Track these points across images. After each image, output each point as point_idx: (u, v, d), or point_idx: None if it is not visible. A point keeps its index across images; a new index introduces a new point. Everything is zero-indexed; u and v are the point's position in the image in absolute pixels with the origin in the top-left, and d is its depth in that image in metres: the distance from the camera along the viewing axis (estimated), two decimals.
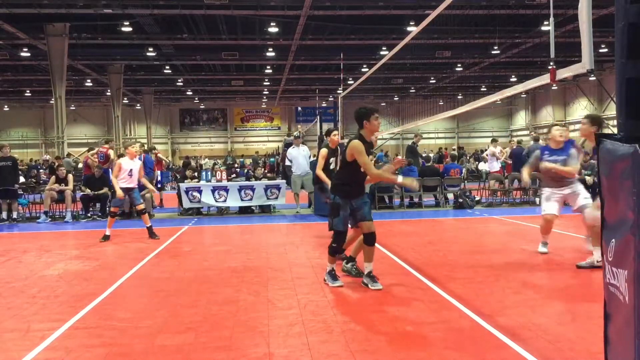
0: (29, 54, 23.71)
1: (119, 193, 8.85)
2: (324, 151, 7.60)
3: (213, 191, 12.49)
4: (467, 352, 3.65)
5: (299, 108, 44.93)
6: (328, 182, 6.88)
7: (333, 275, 5.59)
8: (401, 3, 18.41)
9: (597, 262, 5.74)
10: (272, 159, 30.35)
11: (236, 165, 24.20)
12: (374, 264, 5.48)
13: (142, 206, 9.34)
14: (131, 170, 9.10)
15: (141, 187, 12.31)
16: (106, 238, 8.97)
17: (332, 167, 7.36)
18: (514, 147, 15.78)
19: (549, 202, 6.73)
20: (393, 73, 30.90)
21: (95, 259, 7.48)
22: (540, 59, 26.36)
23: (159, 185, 15.52)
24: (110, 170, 13.53)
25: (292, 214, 12.72)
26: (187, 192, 12.46)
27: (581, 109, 37.46)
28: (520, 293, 5.11)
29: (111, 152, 13.68)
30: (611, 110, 32.32)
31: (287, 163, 13.62)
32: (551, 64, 4.34)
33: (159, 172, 14.76)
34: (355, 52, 24.95)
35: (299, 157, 12.83)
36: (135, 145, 9.60)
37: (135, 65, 28.98)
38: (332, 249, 5.51)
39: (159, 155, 15.45)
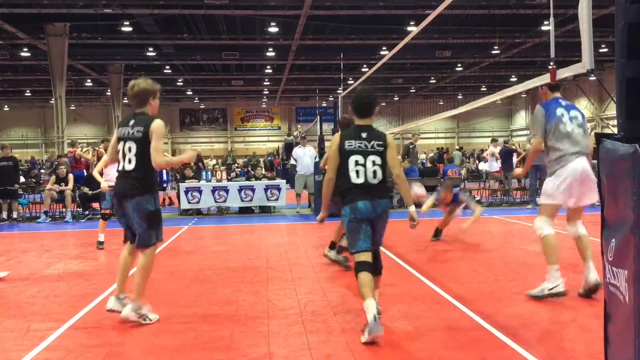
0: (29, 54, 23.73)
1: (104, 186, 7.77)
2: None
3: (213, 191, 12.48)
4: (467, 352, 3.65)
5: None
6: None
7: None
8: (401, 3, 18.42)
9: None
10: (269, 158, 30.41)
11: (236, 165, 24.21)
12: None
13: None
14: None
15: None
16: (100, 245, 8.21)
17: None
18: (502, 147, 15.63)
19: None
20: (393, 73, 30.90)
21: (95, 259, 7.48)
22: (540, 59, 26.37)
23: (164, 186, 15.51)
24: (84, 171, 13.49)
25: (293, 213, 12.72)
26: (186, 192, 12.45)
27: (581, 108, 37.38)
28: (520, 293, 5.10)
29: (85, 154, 13.66)
30: (611, 110, 32.33)
31: (292, 162, 13.68)
32: (551, 63, 4.34)
33: (164, 171, 14.78)
34: (355, 52, 24.96)
35: (305, 157, 13.00)
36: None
37: (135, 65, 28.98)
38: None
39: (165, 154, 15.40)
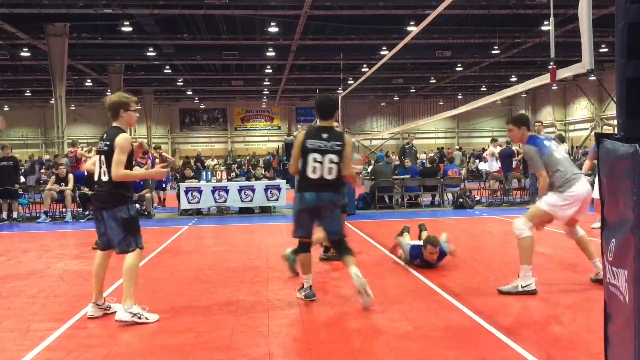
0: (29, 54, 23.70)
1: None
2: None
3: (213, 191, 12.48)
4: (467, 352, 3.65)
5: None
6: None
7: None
8: (401, 3, 18.41)
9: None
10: (268, 157, 30.38)
11: (236, 165, 24.22)
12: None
13: None
14: None
15: (141, 186, 12.37)
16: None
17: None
18: (503, 147, 15.60)
19: None
20: (393, 73, 30.89)
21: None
22: (540, 59, 26.38)
23: (164, 186, 15.48)
24: (84, 171, 13.51)
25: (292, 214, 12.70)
26: (186, 192, 12.44)
27: (581, 108, 37.50)
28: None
29: (84, 153, 13.68)
30: (611, 110, 32.33)
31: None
32: (551, 63, 4.35)
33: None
34: (355, 52, 24.94)
35: None
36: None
37: (135, 65, 28.97)
38: None
39: (163, 154, 15.42)
